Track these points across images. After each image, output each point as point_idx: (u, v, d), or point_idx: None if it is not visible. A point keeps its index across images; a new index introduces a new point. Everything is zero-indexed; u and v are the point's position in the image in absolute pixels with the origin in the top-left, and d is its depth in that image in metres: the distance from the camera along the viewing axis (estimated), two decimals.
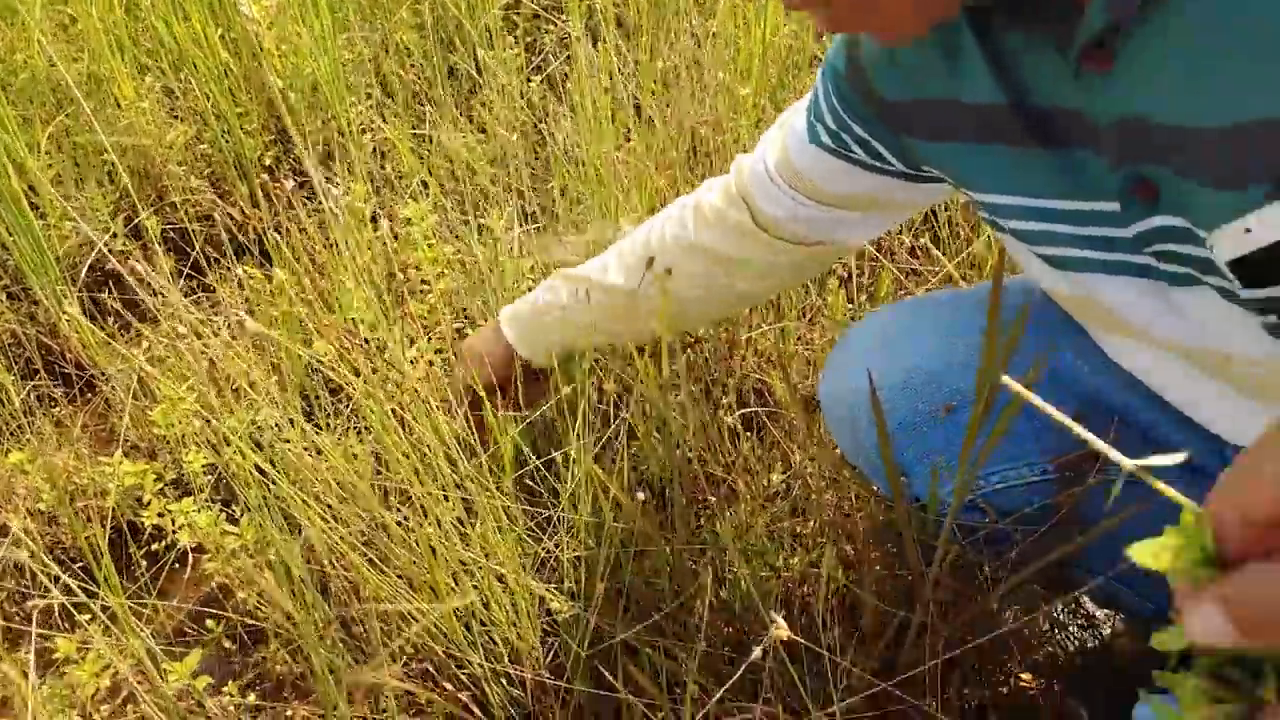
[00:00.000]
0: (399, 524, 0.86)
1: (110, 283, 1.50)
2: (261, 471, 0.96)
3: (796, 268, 0.83)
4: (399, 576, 0.83)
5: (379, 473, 1.06)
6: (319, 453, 1.01)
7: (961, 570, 0.80)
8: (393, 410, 0.86)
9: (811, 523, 0.87)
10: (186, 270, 1.53)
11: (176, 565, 1.14)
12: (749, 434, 0.98)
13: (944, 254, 1.05)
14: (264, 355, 1.21)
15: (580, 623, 0.76)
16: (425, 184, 1.45)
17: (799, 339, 1.05)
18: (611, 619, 0.77)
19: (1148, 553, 0.29)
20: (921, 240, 1.06)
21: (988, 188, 0.65)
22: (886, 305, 0.98)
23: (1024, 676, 0.84)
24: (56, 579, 0.91)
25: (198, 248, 1.57)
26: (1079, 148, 0.57)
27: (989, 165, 0.63)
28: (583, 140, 1.36)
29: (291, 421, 1.09)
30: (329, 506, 0.96)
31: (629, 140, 1.35)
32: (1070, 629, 0.90)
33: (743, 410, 0.97)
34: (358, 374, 1.02)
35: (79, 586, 0.97)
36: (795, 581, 0.83)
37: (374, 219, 1.45)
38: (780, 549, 0.83)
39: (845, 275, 1.08)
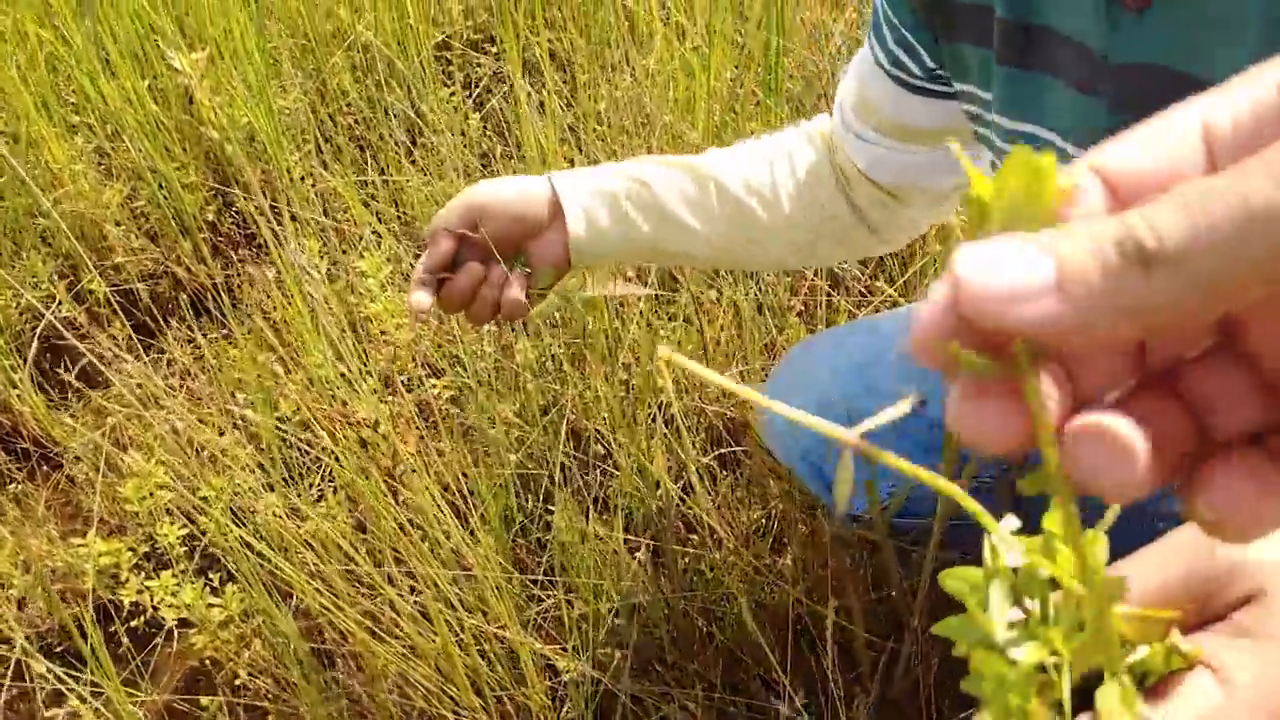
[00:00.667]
0: (391, 587, 0.87)
1: (55, 351, 1.46)
2: (247, 544, 0.95)
3: (874, 229, 0.82)
4: (400, 643, 0.84)
5: (362, 534, 1.07)
6: (301, 518, 1.01)
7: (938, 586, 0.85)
8: (379, 476, 0.87)
9: (789, 559, 0.91)
10: (132, 334, 1.50)
11: (159, 640, 1.12)
12: (725, 473, 1.01)
13: (893, 288, 1.09)
14: (231, 419, 1.20)
15: (586, 680, 0.79)
16: (377, 234, 1.45)
17: (763, 372, 1.08)
18: (616, 674, 0.79)
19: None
20: (878, 282, 1.11)
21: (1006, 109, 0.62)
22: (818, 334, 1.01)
23: None
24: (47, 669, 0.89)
25: (145, 309, 1.54)
26: (1051, 77, 0.56)
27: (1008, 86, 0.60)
28: None
29: (271, 487, 1.08)
30: (317, 572, 0.96)
31: None
32: None
33: (719, 451, 1.00)
34: (333, 437, 1.02)
35: (65, 673, 0.95)
36: (784, 616, 0.87)
37: (327, 272, 1.44)
38: (766, 582, 0.86)
39: (802, 309, 1.12)
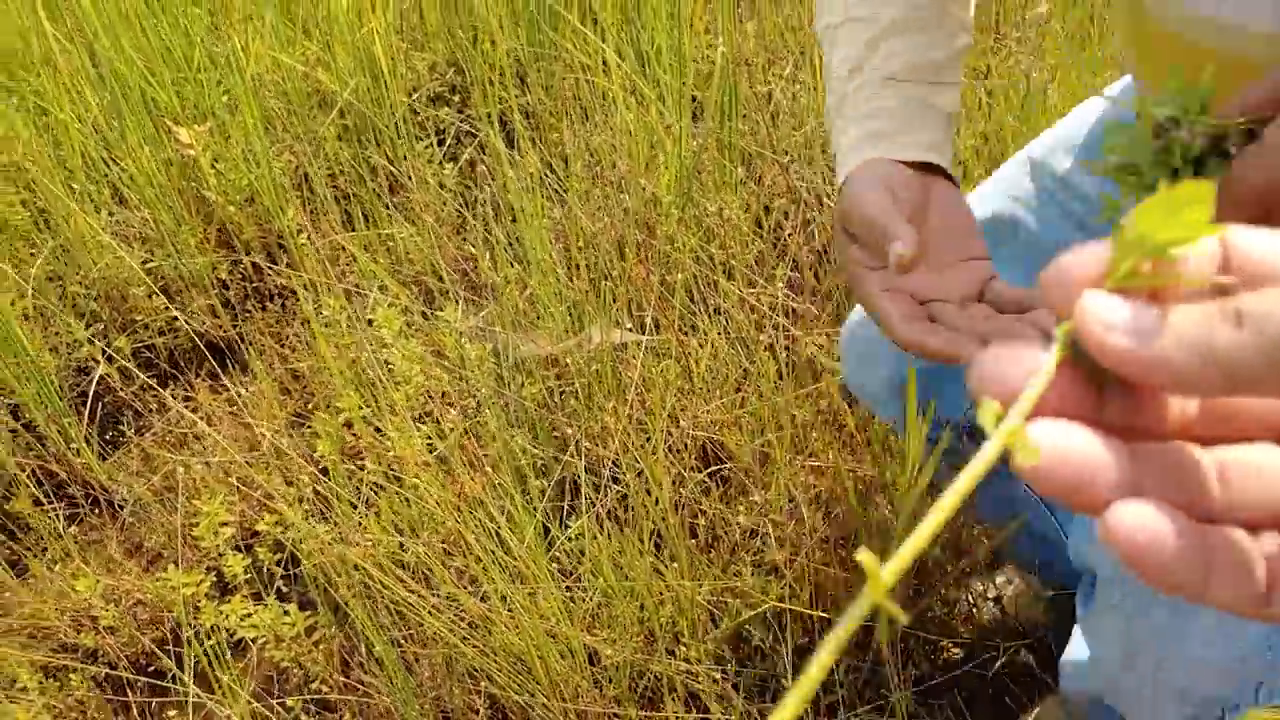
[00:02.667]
0: (466, 592, 1.02)
1: (92, 402, 1.56)
2: (323, 568, 1.09)
3: None
4: (486, 648, 0.99)
5: (403, 548, 1.21)
6: (349, 543, 1.15)
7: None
8: (452, 503, 1.02)
9: (785, 552, 1.08)
10: (157, 383, 1.61)
11: (229, 656, 1.25)
12: (715, 484, 1.18)
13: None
14: (284, 460, 1.33)
15: (624, 664, 0.95)
16: (384, 286, 1.58)
17: (741, 406, 1.26)
18: (646, 655, 0.96)
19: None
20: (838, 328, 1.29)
21: None
22: None
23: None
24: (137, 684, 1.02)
25: (165, 361, 1.65)
26: None
27: None
28: (522, 241, 1.53)
29: (325, 516, 1.22)
30: (383, 588, 1.11)
31: (563, 246, 1.53)
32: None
33: (708, 470, 1.17)
34: (415, 474, 1.16)
35: (163, 685, 1.08)
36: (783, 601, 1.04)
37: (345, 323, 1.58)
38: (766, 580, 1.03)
39: (770, 343, 1.30)
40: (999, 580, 1.21)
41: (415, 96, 2.11)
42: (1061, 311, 0.22)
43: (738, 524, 1.13)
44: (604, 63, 1.72)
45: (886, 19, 0.71)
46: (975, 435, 0.80)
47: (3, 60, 1.85)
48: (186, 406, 1.59)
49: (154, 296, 1.66)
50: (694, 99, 1.62)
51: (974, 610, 1.16)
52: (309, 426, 1.46)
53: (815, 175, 1.58)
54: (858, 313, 0.95)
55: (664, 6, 1.55)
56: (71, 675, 1.15)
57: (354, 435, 1.39)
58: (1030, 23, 1.58)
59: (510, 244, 1.61)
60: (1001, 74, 1.69)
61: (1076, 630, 0.82)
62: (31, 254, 1.63)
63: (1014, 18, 1.67)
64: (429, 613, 0.98)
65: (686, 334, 1.28)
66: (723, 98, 1.44)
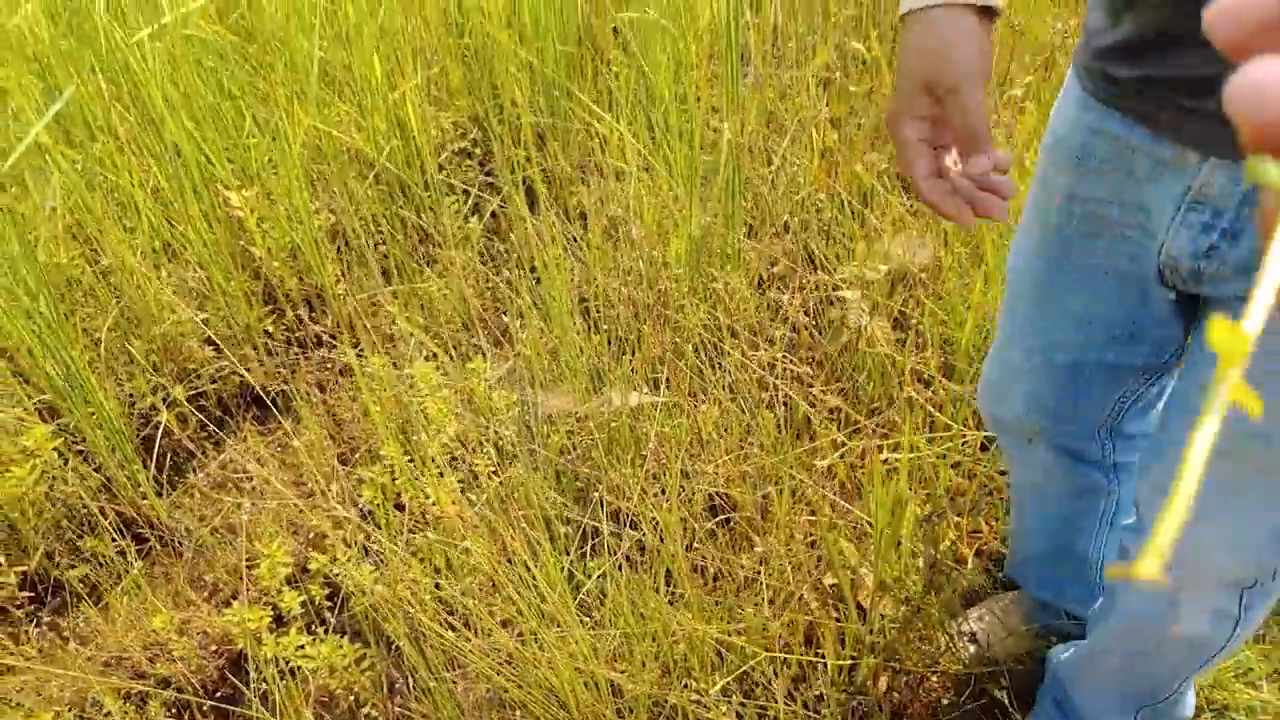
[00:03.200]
0: (504, 632, 1.15)
1: (147, 447, 1.70)
2: (373, 605, 1.22)
3: None
4: (506, 676, 1.12)
5: (439, 587, 1.34)
6: (389, 582, 1.28)
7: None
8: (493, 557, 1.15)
9: (783, 593, 1.21)
10: (213, 427, 1.75)
11: (289, 682, 1.38)
12: (722, 529, 1.31)
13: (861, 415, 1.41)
14: (331, 503, 1.46)
15: (642, 696, 1.08)
16: (420, 343, 1.72)
17: (745, 460, 1.39)
18: (663, 689, 1.09)
19: None
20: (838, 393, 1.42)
21: None
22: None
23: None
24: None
25: (218, 407, 1.79)
26: None
27: None
28: (544, 300, 1.66)
29: (370, 554, 1.35)
30: (425, 624, 1.24)
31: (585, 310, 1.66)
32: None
33: (716, 519, 1.30)
34: (461, 521, 1.30)
35: (227, 709, 1.21)
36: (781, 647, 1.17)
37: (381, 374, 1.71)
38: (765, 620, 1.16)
39: (770, 401, 1.43)
40: (974, 617, 1.34)
41: (443, 156, 2.24)
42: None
43: (741, 567, 1.26)
44: (618, 134, 1.86)
45: None
46: None
47: (66, 125, 1.99)
48: (239, 449, 1.72)
49: (206, 347, 1.79)
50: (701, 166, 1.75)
51: (952, 645, 1.29)
52: (354, 471, 1.59)
53: (810, 239, 1.71)
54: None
55: (672, 87, 1.68)
56: (149, 701, 1.28)
57: (394, 479, 1.52)
58: (1006, 103, 1.72)
59: (535, 302, 1.74)
60: None
61: None
62: (97, 309, 1.76)
63: (991, 98, 1.81)
64: (470, 652, 1.11)
65: (694, 395, 1.41)
66: (728, 173, 1.58)
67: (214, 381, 1.82)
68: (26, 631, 1.38)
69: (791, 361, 1.50)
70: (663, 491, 1.30)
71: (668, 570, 1.21)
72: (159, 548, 1.55)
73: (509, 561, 1.21)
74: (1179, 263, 0.77)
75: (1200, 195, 0.73)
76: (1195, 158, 0.71)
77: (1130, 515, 1.03)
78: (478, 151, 2.35)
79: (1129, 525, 0.99)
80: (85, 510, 1.51)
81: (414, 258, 2.02)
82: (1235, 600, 0.88)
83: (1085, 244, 0.84)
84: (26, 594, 1.42)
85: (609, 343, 1.52)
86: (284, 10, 2.08)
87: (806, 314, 1.58)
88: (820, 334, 1.51)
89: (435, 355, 1.70)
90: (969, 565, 1.35)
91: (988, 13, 0.70)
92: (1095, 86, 0.79)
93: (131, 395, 1.68)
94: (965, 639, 1.27)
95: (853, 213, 1.70)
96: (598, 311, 1.62)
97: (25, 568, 1.43)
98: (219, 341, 1.86)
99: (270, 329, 1.88)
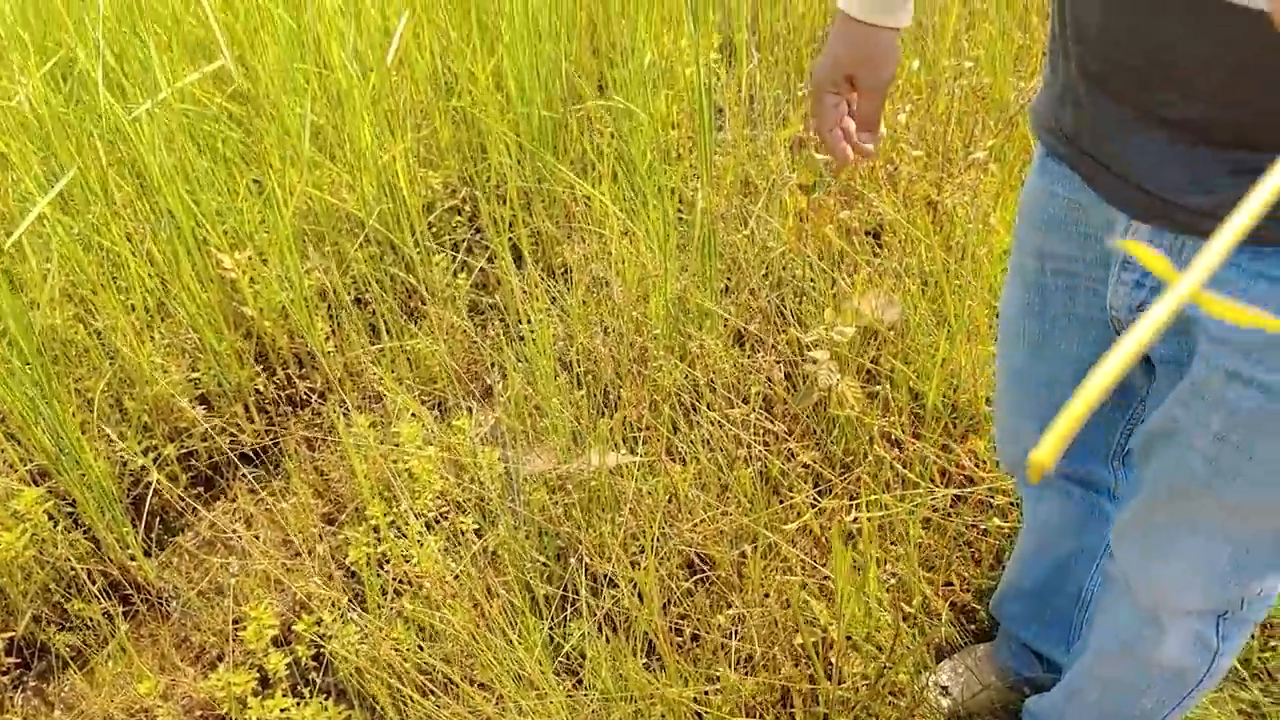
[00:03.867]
0: (479, 692, 1.15)
1: (136, 507, 1.70)
2: (357, 668, 1.22)
3: None
4: None
5: (421, 648, 1.34)
6: (372, 643, 1.28)
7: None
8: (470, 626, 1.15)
9: (759, 652, 1.21)
10: (201, 488, 1.75)
11: None
12: (700, 587, 1.32)
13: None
14: (317, 562, 1.46)
15: None
16: (405, 403, 1.73)
17: (723, 516, 1.40)
18: None
19: None
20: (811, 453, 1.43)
21: None
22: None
23: None
24: None
25: (207, 465, 1.79)
26: None
27: None
28: (529, 357, 1.68)
29: (355, 613, 1.35)
30: (406, 685, 1.24)
31: (567, 371, 1.68)
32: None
33: (693, 577, 1.31)
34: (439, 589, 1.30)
35: None
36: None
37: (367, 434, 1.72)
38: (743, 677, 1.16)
39: (746, 458, 1.44)
40: (947, 670, 1.34)
41: (433, 215, 2.27)
42: None
43: (718, 627, 1.26)
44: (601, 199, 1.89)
45: None
46: None
47: (64, 191, 2.01)
48: (227, 509, 1.72)
49: (198, 405, 1.80)
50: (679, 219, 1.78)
51: (925, 700, 1.29)
52: (340, 531, 1.60)
53: (784, 297, 1.73)
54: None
55: (648, 152, 1.71)
56: None
57: (378, 538, 1.52)
58: (970, 164, 1.75)
59: (520, 358, 1.76)
60: (951, 198, 1.86)
61: None
62: (89, 369, 1.77)
63: (956, 163, 1.84)
64: (450, 717, 1.11)
65: (672, 453, 1.42)
66: (703, 235, 1.60)
67: (205, 440, 1.82)
68: (12, 699, 1.37)
69: (767, 419, 1.51)
70: (641, 551, 1.31)
71: (646, 633, 1.22)
72: (145, 610, 1.54)
73: (488, 629, 1.22)
74: (1121, 316, 0.79)
75: (1129, 256, 0.75)
76: (1124, 218, 0.74)
77: None
78: (467, 209, 2.38)
79: (1108, 549, 1.00)
80: (73, 573, 1.51)
81: (403, 314, 2.04)
82: (1213, 628, 0.89)
83: (1063, 295, 0.88)
84: (13, 660, 1.41)
85: (590, 400, 1.54)
86: (278, 76, 2.12)
87: (781, 371, 1.60)
88: (795, 390, 1.53)
89: (421, 414, 1.71)
90: (943, 618, 1.35)
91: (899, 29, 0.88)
92: (1044, 143, 0.82)
93: (123, 455, 1.69)
94: (938, 692, 1.27)
95: (824, 271, 1.73)
96: (580, 368, 1.64)
97: (12, 633, 1.43)
98: (210, 399, 1.86)
99: (260, 388, 1.89)
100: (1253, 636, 1.34)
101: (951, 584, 1.33)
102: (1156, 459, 0.80)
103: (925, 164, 1.97)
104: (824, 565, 1.33)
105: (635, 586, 1.21)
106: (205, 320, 1.84)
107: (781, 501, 1.31)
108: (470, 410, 1.77)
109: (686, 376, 1.52)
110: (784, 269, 1.77)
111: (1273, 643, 1.34)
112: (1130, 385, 0.93)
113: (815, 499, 1.37)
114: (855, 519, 1.27)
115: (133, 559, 1.55)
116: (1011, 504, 1.41)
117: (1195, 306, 0.70)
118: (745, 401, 1.52)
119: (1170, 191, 0.68)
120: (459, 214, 2.35)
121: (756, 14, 2.52)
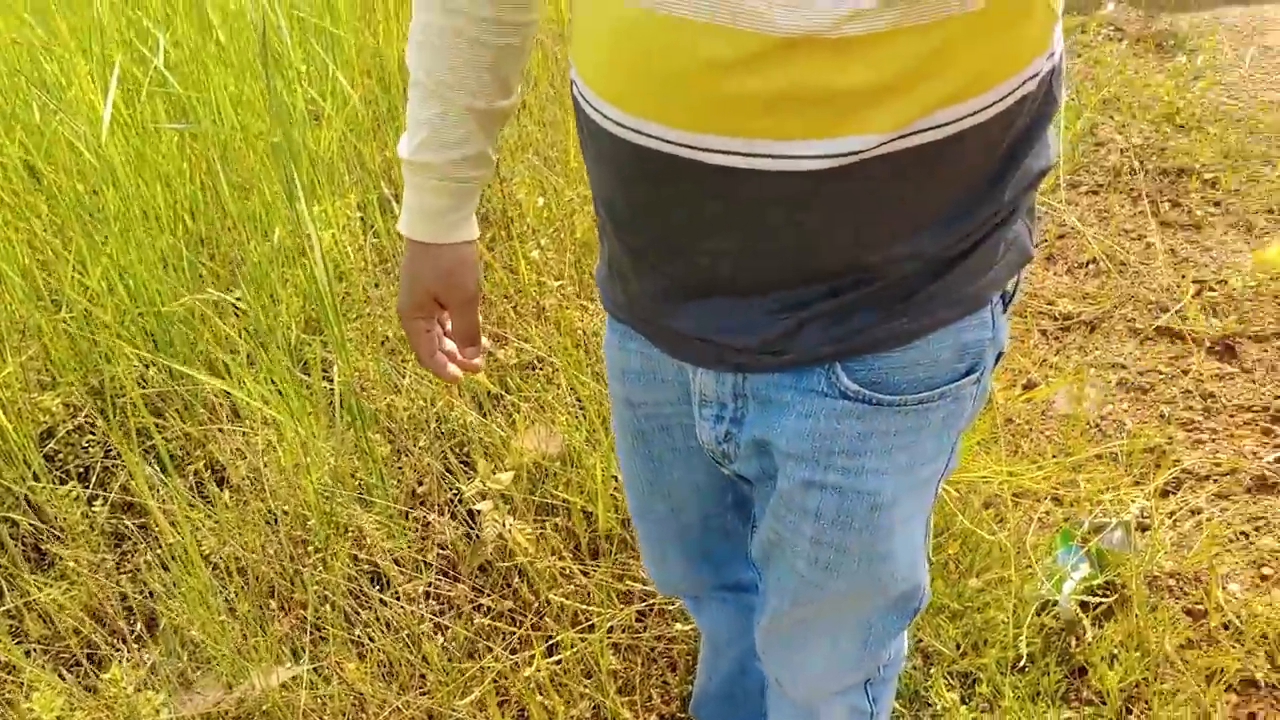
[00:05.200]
0: None
1: None
2: None
3: None
4: None
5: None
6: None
7: None
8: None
9: None
10: None
11: None
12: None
13: None
14: None
15: None
16: (40, 666, 1.45)
17: (418, 704, 1.28)
18: None
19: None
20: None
21: None
22: None
23: None
24: None
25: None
26: None
27: None
28: (179, 585, 1.48)
29: None
30: None
31: None
32: None
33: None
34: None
35: None
36: None
37: None
38: None
39: (434, 629, 1.35)
40: None
41: (54, 440, 1.99)
42: None
43: None
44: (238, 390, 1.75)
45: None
46: None
47: None
48: None
49: None
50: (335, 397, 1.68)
51: None
52: None
53: (447, 450, 1.68)
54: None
55: (295, 335, 1.62)
56: None
57: None
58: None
59: (172, 586, 1.54)
60: (596, 320, 1.92)
61: None
62: None
63: None
64: None
65: (357, 645, 1.30)
66: (349, 407, 1.52)
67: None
68: None
69: (448, 583, 1.44)
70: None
71: None
72: None
73: None
74: (712, 448, 0.82)
75: (702, 396, 0.78)
76: (689, 365, 0.77)
77: None
78: (100, 425, 2.11)
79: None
80: None
81: (28, 565, 1.73)
82: (863, 695, 0.94)
83: (661, 435, 0.89)
84: None
85: (255, 610, 1.37)
86: None
87: (458, 529, 1.54)
88: (471, 551, 1.46)
89: (57, 680, 1.44)
90: None
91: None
92: (608, 310, 0.84)
93: None
94: None
95: (487, 415, 1.71)
96: (236, 580, 1.46)
97: None
98: None
99: None
100: None
101: (652, 699, 1.31)
102: (773, 566, 0.83)
103: (567, 291, 2.04)
104: None
105: None
106: None
107: (478, 663, 1.23)
108: (122, 658, 1.52)
109: (356, 559, 1.42)
110: (446, 421, 1.72)
111: None
112: (745, 497, 0.97)
113: (512, 651, 1.30)
114: (538, 669, 1.22)
115: None
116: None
117: (768, 429, 0.74)
118: (427, 566, 1.44)
119: (724, 337, 0.71)
120: (91, 432, 2.08)
121: (390, 166, 2.49)
